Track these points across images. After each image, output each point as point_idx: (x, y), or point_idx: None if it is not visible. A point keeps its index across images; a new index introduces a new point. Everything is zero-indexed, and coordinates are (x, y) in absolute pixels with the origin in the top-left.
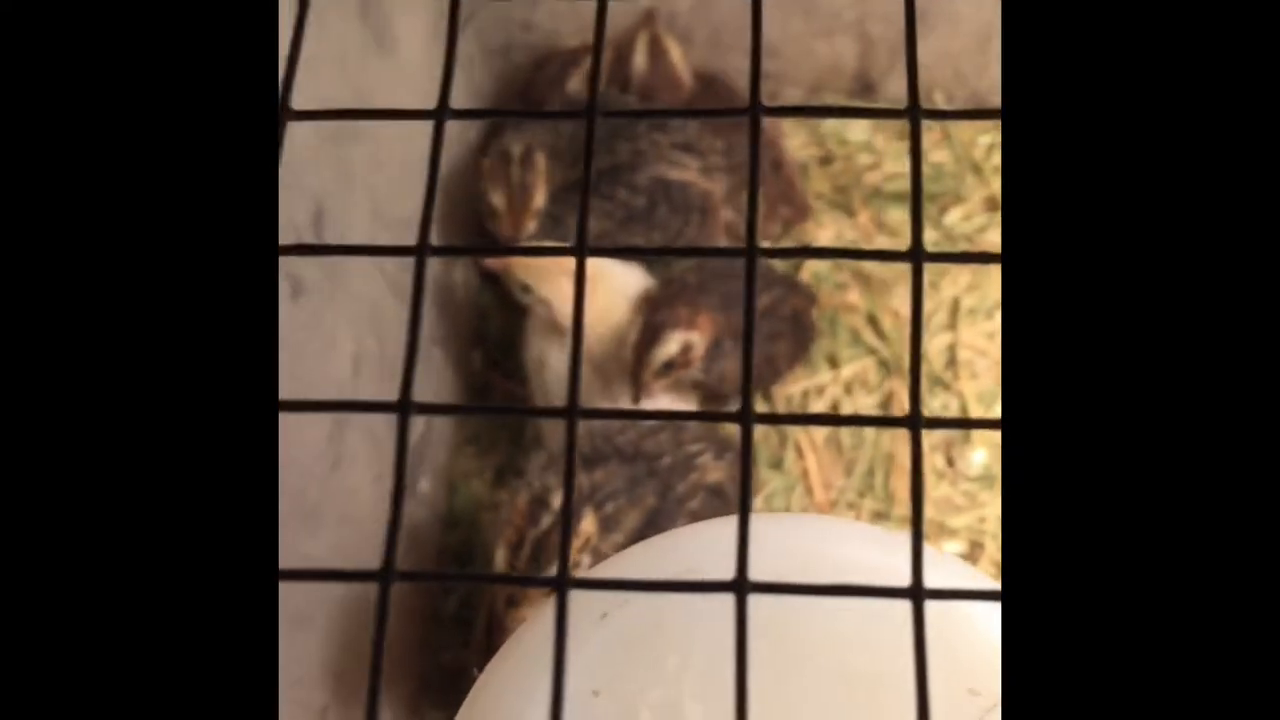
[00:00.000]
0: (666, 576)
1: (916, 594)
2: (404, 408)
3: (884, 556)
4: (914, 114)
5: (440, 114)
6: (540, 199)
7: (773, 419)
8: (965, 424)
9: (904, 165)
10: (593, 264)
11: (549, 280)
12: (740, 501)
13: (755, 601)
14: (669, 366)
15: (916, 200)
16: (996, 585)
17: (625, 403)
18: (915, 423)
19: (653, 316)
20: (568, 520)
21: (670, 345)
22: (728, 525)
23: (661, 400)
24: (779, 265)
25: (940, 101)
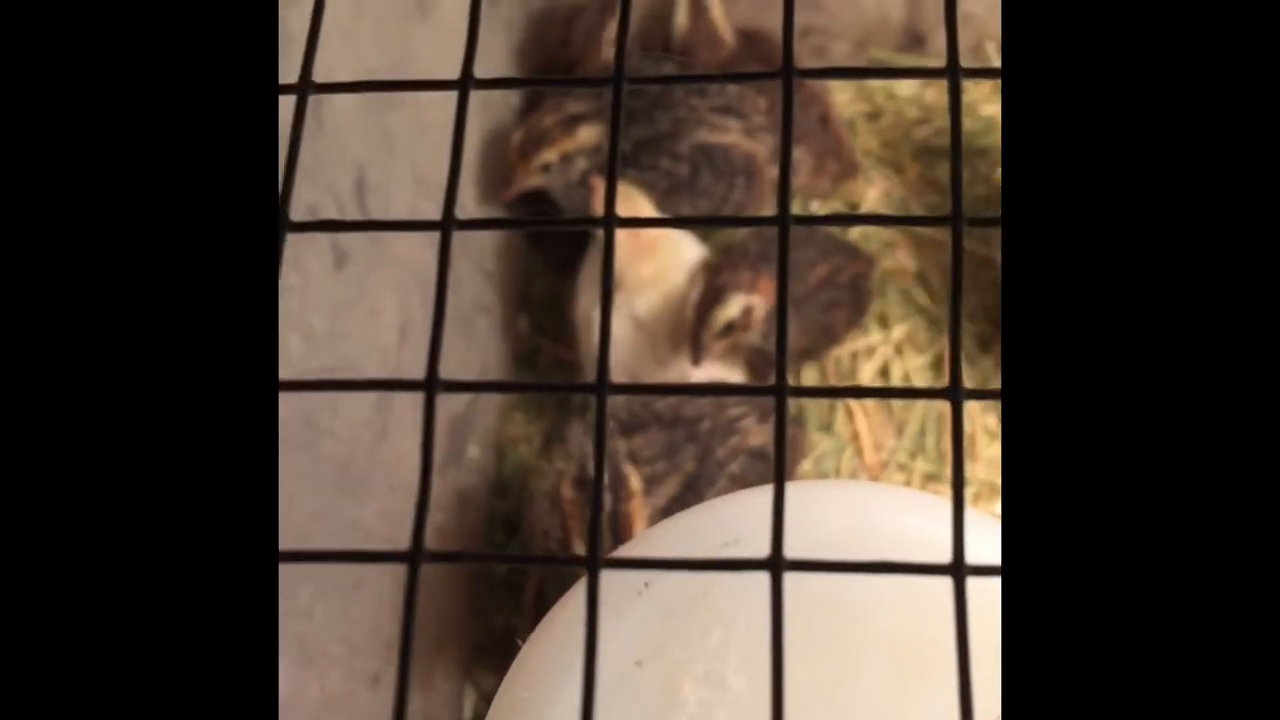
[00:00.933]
0: (708, 547)
1: (958, 570)
2: (430, 386)
3: (932, 524)
4: (953, 74)
5: (464, 84)
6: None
7: (807, 391)
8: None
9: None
10: (655, 234)
11: (651, 289)
12: (775, 477)
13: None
14: (730, 329)
15: (956, 163)
16: None
17: (683, 366)
18: (956, 394)
19: (715, 279)
20: (598, 498)
21: (732, 307)
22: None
23: (714, 367)
24: (837, 230)
25: (991, 53)
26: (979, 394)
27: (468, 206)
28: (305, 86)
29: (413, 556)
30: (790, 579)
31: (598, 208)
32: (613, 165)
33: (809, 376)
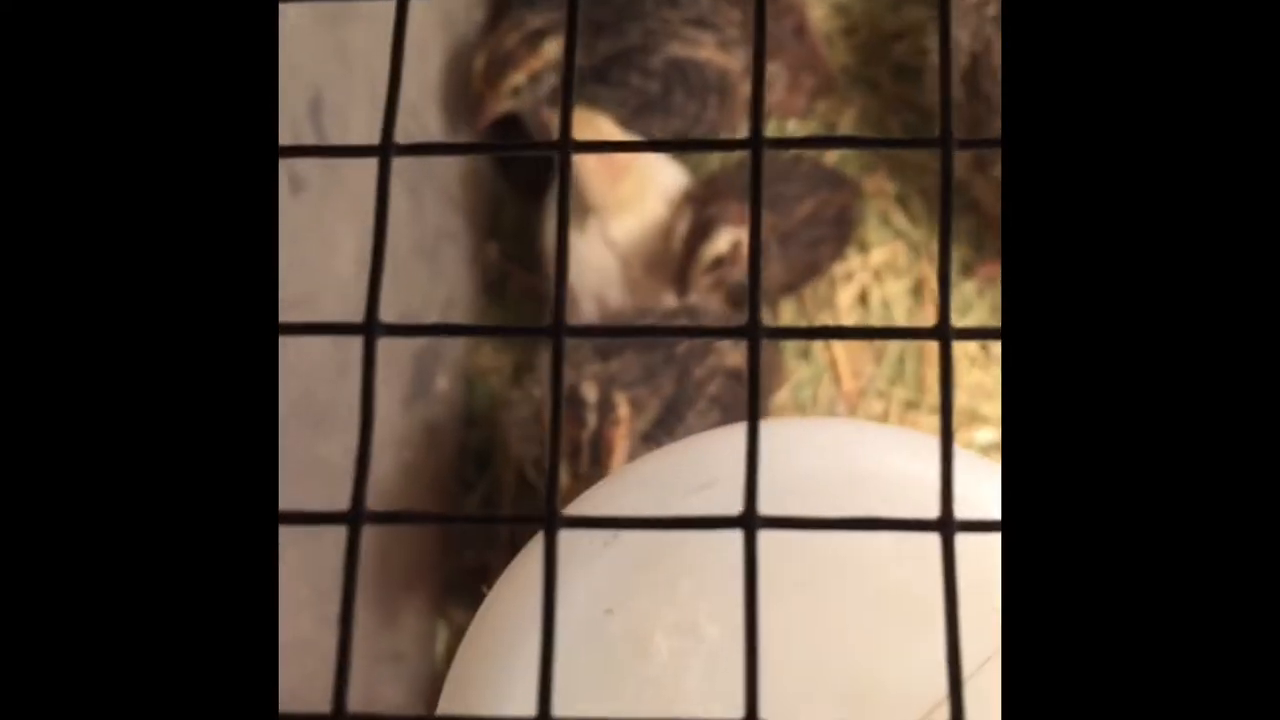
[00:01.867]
0: (682, 489)
1: (946, 525)
2: (370, 330)
3: (914, 463)
4: None
5: None
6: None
7: (782, 333)
8: (997, 334)
9: (935, 40)
10: (628, 156)
11: (577, 160)
12: (749, 428)
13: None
14: (718, 263)
15: (945, 82)
16: None
17: (664, 296)
18: (944, 333)
19: (703, 212)
20: (556, 448)
21: (721, 242)
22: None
23: (693, 297)
24: (826, 160)
25: None
26: (970, 333)
27: (432, 130)
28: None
29: (353, 518)
30: (757, 549)
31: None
32: (567, 87)
33: (787, 309)
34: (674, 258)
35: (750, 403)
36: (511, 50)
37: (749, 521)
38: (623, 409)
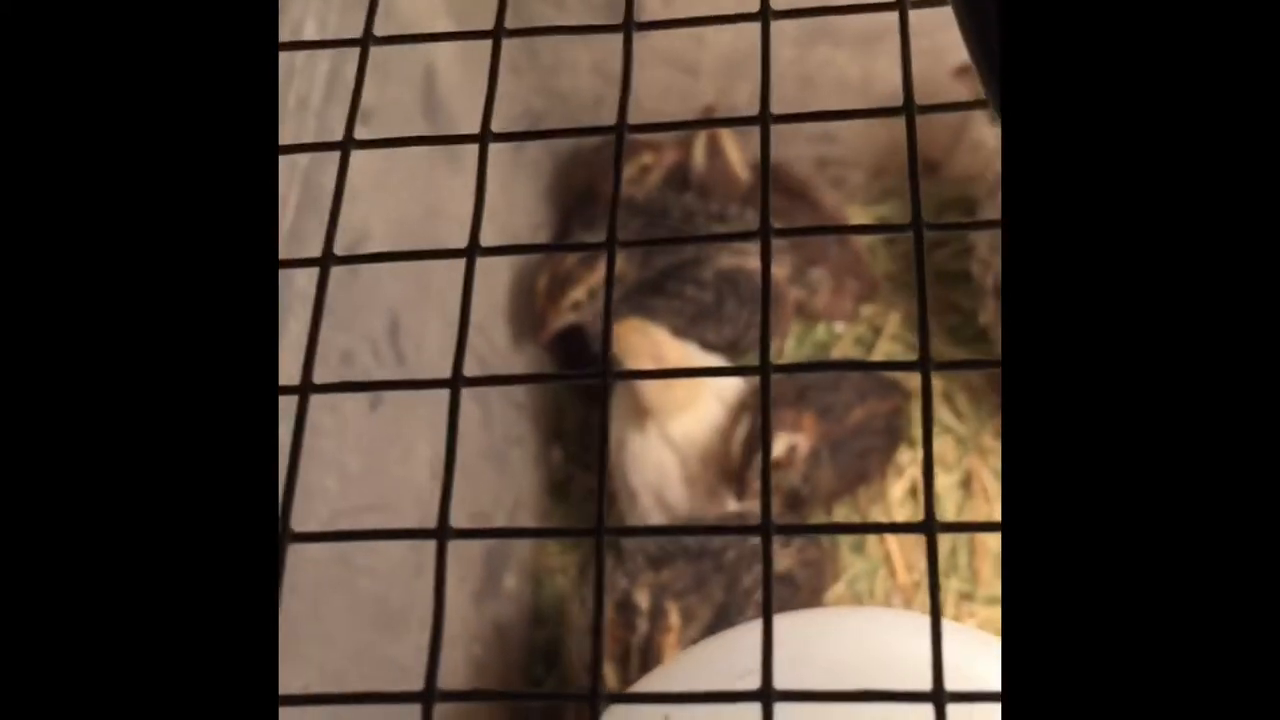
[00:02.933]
0: (726, 677)
1: (938, 697)
2: (442, 534)
3: (950, 650)
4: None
5: (471, 252)
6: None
7: (791, 530)
8: (987, 527)
9: (966, 240)
10: (681, 359)
11: (636, 361)
12: (764, 614)
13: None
14: (774, 467)
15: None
16: None
17: (725, 497)
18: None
19: (759, 418)
20: (599, 630)
21: (777, 447)
22: (788, 621)
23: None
24: (887, 376)
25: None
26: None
27: (499, 346)
28: (327, 259)
29: (427, 696)
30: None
31: (621, 342)
32: (607, 322)
33: (840, 511)
34: (732, 462)
35: (765, 594)
36: (571, 269)
37: (766, 695)
38: (673, 617)
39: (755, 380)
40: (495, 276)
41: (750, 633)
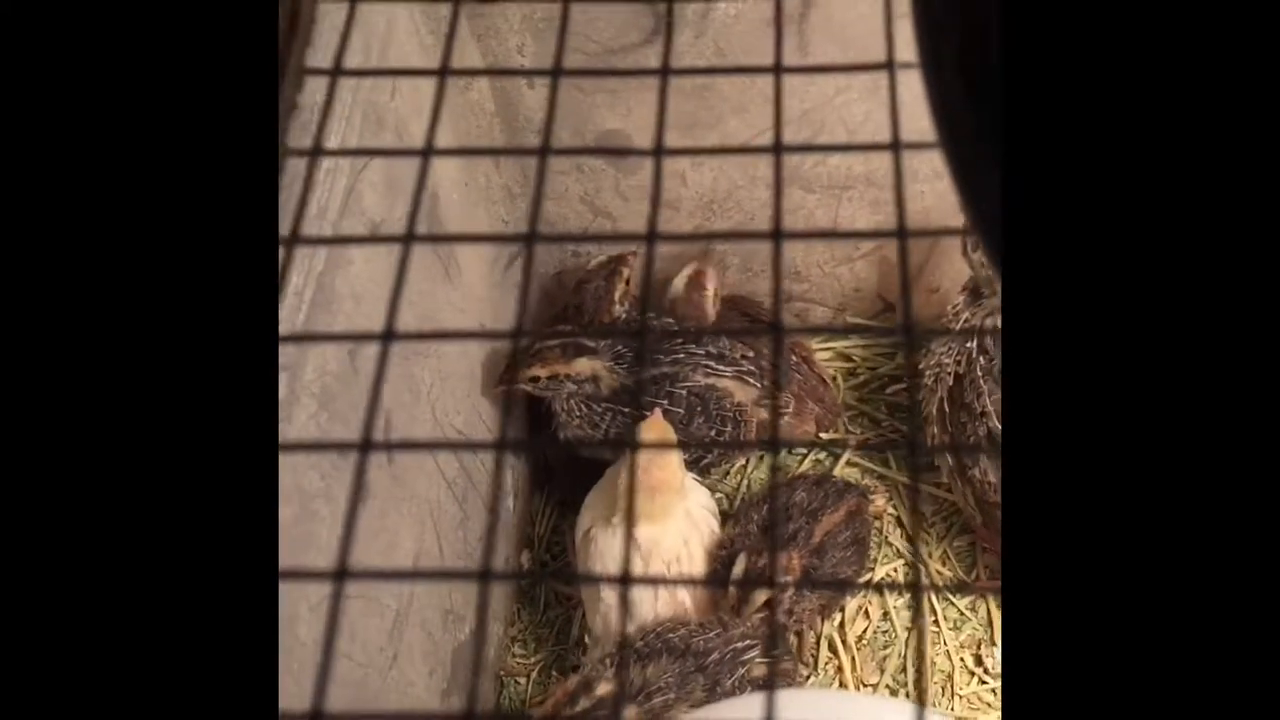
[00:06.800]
0: None
1: None
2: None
3: None
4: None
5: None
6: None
7: None
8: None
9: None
10: (667, 475)
11: (650, 524)
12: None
13: None
14: (767, 605)
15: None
16: None
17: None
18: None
19: (756, 562)
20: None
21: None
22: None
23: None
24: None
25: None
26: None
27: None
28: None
29: None
30: None
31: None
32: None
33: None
34: (730, 598)
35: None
36: (548, 348)
37: None
38: (630, 714)
39: (722, 501)
40: (474, 381)
41: (716, 712)
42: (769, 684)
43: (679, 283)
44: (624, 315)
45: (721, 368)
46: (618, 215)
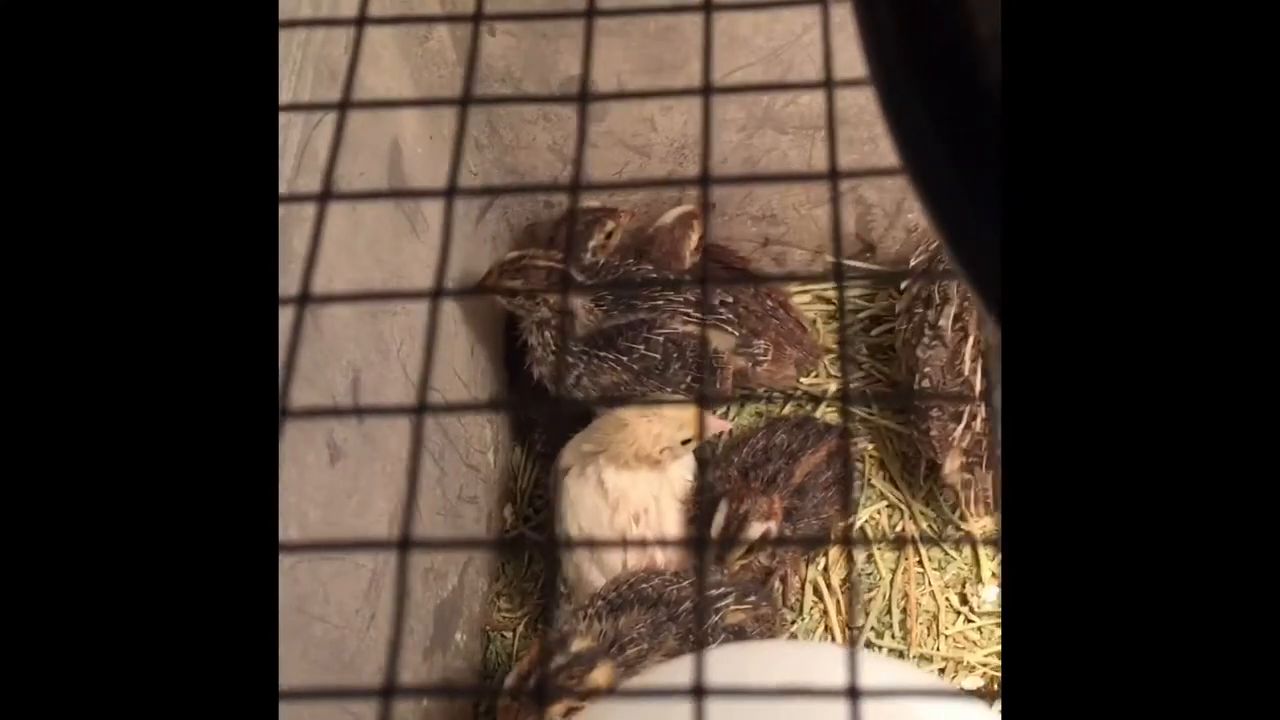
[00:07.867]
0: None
1: (853, 693)
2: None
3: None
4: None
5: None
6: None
7: None
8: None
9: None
10: (644, 424)
11: (616, 463)
12: (696, 651)
13: None
14: (750, 549)
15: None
16: None
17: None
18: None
19: (739, 507)
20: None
21: (753, 532)
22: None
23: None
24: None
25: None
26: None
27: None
28: (304, 299)
29: None
30: None
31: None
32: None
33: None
34: (715, 544)
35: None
36: (532, 266)
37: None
38: (599, 673)
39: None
40: (457, 343)
41: (688, 663)
42: (745, 632)
43: (668, 217)
44: (605, 261)
45: (698, 314)
46: (588, 162)
